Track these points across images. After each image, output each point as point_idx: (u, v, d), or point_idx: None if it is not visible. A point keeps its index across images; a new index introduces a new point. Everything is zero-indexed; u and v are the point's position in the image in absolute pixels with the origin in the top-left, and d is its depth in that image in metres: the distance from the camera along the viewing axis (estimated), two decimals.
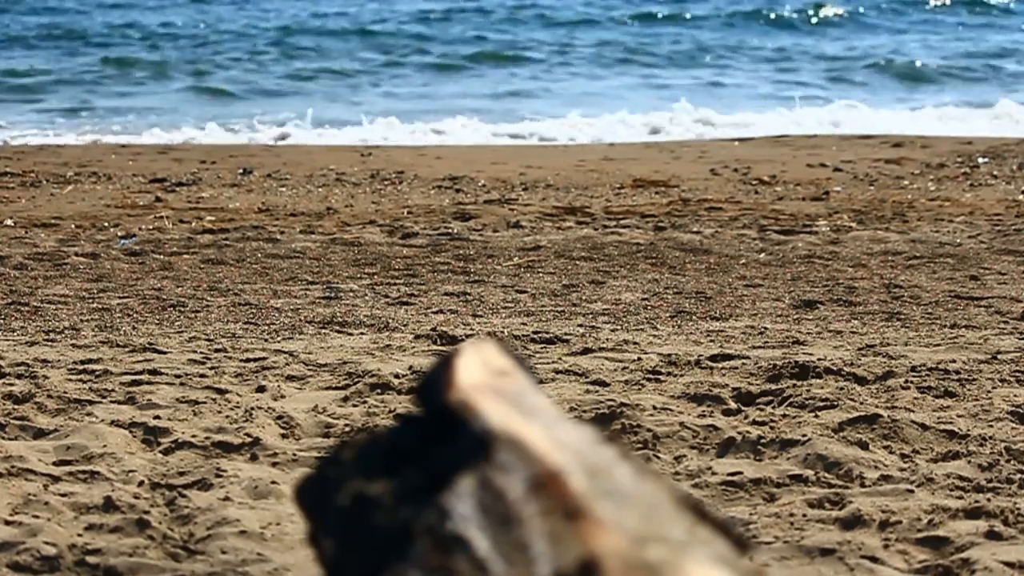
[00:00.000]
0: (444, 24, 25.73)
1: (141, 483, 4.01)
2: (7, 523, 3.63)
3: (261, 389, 5.11)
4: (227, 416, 4.71)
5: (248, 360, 5.60)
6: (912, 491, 3.92)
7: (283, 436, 4.56)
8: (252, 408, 4.77)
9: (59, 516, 3.72)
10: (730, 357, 5.56)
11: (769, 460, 4.27)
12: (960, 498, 3.87)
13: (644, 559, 1.72)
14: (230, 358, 5.64)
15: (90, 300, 7.08)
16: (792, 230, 9.52)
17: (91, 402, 4.88)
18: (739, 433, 4.48)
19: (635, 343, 5.93)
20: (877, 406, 4.78)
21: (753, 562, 3.31)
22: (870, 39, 24.79)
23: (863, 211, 10.40)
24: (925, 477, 4.04)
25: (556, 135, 16.26)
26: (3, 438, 4.45)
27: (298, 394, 5.08)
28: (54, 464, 4.19)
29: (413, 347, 5.88)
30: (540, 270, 8.08)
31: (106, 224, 9.56)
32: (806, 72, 21.32)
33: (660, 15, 26.62)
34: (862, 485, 4.01)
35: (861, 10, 27.63)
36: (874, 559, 3.44)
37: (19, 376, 5.22)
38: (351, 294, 7.34)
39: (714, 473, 4.14)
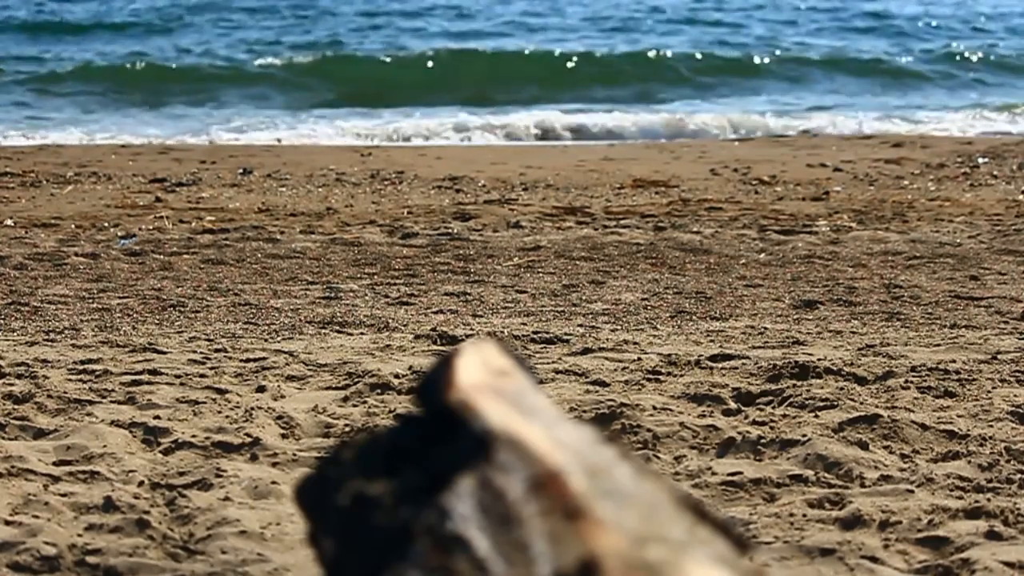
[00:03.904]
0: None
1: (141, 483, 4.01)
2: (7, 523, 3.63)
3: (261, 389, 5.11)
4: (227, 416, 4.71)
5: (248, 360, 5.60)
6: (912, 491, 3.92)
7: (283, 436, 4.56)
8: (252, 408, 4.77)
9: (59, 516, 3.72)
10: (730, 357, 5.56)
11: (769, 460, 4.27)
12: (960, 498, 3.87)
13: (644, 559, 1.72)
14: (230, 358, 5.64)
15: (90, 300, 7.08)
16: (792, 230, 9.52)
17: (91, 402, 4.88)
18: (739, 433, 4.48)
19: (635, 343, 5.93)
20: (877, 406, 4.78)
21: (753, 562, 3.31)
22: None
23: (863, 211, 10.40)
24: (925, 477, 4.04)
25: None
26: (3, 438, 4.45)
27: (298, 394, 5.08)
28: (54, 464, 4.19)
29: (413, 347, 5.88)
30: (540, 270, 8.08)
31: (106, 224, 9.56)
32: None
33: None
34: (862, 485, 4.01)
35: None
36: (874, 559, 3.44)
37: (19, 376, 5.22)
38: (351, 294, 7.34)
39: (714, 473, 4.14)
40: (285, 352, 5.74)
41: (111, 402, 4.91)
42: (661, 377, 5.26)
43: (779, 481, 4.04)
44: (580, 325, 6.46)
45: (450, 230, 9.41)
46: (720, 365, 5.46)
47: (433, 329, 6.22)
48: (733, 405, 4.87)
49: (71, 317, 6.63)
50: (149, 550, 3.50)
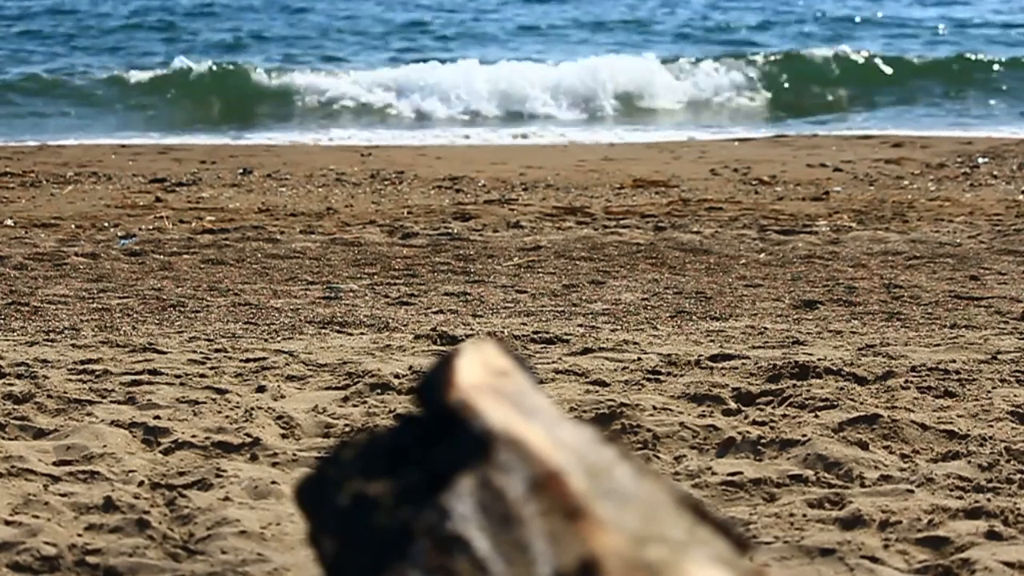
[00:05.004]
0: None
1: (141, 483, 4.01)
2: (7, 523, 3.63)
3: (261, 389, 5.11)
4: (227, 416, 4.71)
5: (248, 360, 5.60)
6: (912, 491, 3.92)
7: (283, 436, 4.56)
8: (252, 408, 4.77)
9: (59, 516, 3.72)
10: (730, 357, 5.56)
11: (769, 460, 4.27)
12: (960, 498, 3.87)
13: (644, 559, 1.72)
14: (230, 358, 5.64)
15: (90, 300, 7.08)
16: (792, 230, 9.52)
17: (91, 402, 4.88)
18: (739, 433, 4.48)
19: (635, 343, 5.93)
20: (877, 406, 4.78)
21: (753, 562, 3.31)
22: None
23: (863, 211, 10.40)
24: (925, 477, 4.04)
25: None
26: (3, 438, 4.45)
27: (298, 394, 5.08)
28: (54, 464, 4.19)
29: (413, 347, 5.88)
30: (540, 270, 8.08)
31: (106, 224, 9.56)
32: None
33: None
34: (862, 485, 4.01)
35: None
36: (874, 559, 3.44)
37: (19, 376, 5.22)
38: (351, 294, 7.34)
39: (714, 473, 4.14)
40: (285, 352, 5.75)
41: (111, 402, 4.91)
42: (661, 377, 5.26)
43: (779, 481, 4.04)
44: (580, 325, 6.46)
45: (450, 230, 9.41)
46: (720, 365, 5.46)
47: (433, 329, 6.22)
48: (733, 405, 4.87)
49: (71, 317, 6.63)
50: (149, 550, 3.50)
